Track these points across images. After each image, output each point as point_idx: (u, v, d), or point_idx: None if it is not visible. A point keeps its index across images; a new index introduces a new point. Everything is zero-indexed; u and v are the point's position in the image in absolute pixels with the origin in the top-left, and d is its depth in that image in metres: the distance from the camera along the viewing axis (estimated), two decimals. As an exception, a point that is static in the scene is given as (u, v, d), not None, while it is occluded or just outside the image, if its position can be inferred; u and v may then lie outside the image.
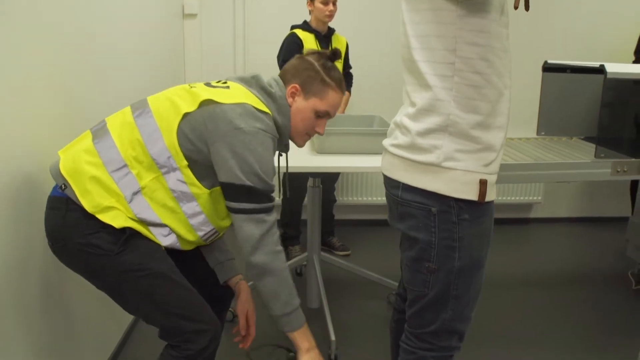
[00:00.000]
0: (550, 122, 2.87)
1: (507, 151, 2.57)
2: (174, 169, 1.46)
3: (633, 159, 2.42)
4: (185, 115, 1.46)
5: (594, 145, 2.41)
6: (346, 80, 3.41)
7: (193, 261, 1.72)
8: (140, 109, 1.51)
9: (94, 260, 1.44)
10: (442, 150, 1.35)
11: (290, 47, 3.18)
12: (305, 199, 3.30)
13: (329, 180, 3.54)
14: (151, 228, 1.48)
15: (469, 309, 1.50)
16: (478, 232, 1.43)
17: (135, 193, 1.44)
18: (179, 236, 1.53)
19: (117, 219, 1.43)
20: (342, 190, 4.01)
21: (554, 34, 3.99)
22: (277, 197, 3.82)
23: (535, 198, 4.16)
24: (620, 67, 2.47)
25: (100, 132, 1.50)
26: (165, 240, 1.51)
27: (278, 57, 3.26)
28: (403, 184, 1.43)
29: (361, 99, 3.81)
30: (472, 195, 1.37)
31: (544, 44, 3.97)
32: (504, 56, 1.36)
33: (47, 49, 1.71)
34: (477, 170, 1.37)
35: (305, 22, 3.29)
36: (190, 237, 1.54)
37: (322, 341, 2.56)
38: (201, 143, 1.45)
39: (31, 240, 1.61)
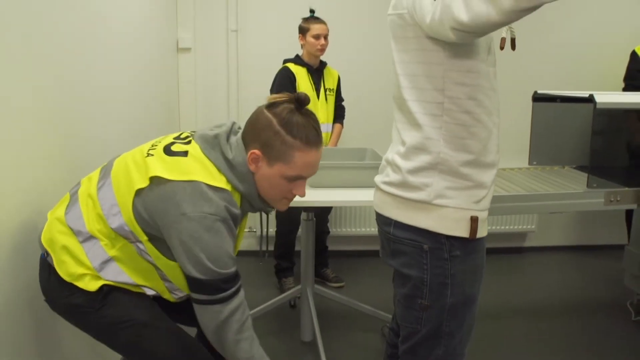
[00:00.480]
0: (542, 151, 2.89)
1: (499, 182, 2.58)
2: (138, 241, 1.43)
3: (626, 188, 2.43)
4: (138, 192, 1.39)
5: (586, 175, 2.42)
6: (338, 112, 3.43)
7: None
8: (104, 178, 1.49)
9: (79, 318, 1.47)
10: (432, 188, 1.36)
11: (283, 81, 3.21)
12: (299, 231, 3.29)
13: (322, 212, 3.53)
14: (132, 287, 1.48)
15: (461, 345, 1.49)
16: (470, 269, 1.43)
17: (106, 262, 1.43)
18: (161, 292, 1.53)
19: (90, 284, 1.43)
20: (336, 221, 4.00)
21: (543, 64, 4.04)
22: (271, 229, 3.86)
23: (529, 227, 4.16)
24: (609, 97, 2.50)
25: (72, 200, 1.51)
26: (149, 291, 1.51)
27: (271, 90, 3.27)
28: (395, 221, 1.43)
29: (353, 132, 3.82)
30: (463, 232, 1.38)
31: (533, 74, 4.02)
32: (493, 95, 1.38)
33: (40, 81, 1.70)
34: (468, 207, 1.37)
35: (297, 55, 3.32)
36: (167, 296, 1.55)
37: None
38: (155, 223, 1.38)
39: (28, 283, 1.60)
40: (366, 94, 3.89)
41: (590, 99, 2.38)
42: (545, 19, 3.94)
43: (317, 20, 3.23)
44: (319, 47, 3.20)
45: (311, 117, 1.41)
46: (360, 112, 3.82)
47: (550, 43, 4.04)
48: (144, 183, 1.38)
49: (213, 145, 1.43)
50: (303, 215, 2.72)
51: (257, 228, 4.03)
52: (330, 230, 3.76)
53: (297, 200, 2.32)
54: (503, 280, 3.74)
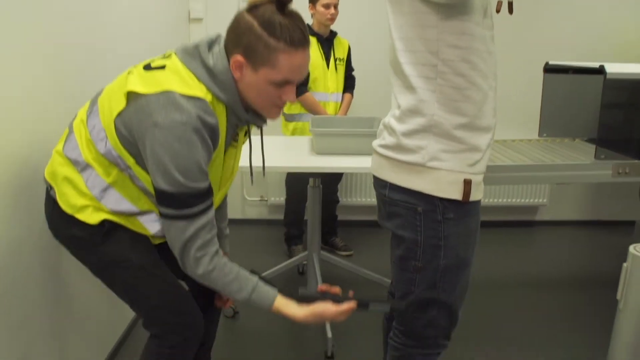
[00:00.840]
0: (552, 123, 2.87)
1: (506, 153, 2.57)
2: (127, 167, 1.41)
3: (635, 161, 2.40)
4: (119, 112, 1.37)
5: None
6: (348, 82, 3.42)
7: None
8: (93, 104, 1.48)
9: (79, 251, 1.50)
10: (426, 151, 1.37)
11: (293, 49, 3.20)
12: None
13: (331, 181, 3.55)
14: (137, 217, 1.48)
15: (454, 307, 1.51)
16: (464, 232, 1.44)
17: (105, 189, 1.43)
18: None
19: (92, 216, 1.44)
20: (346, 191, 4.02)
21: (556, 34, 3.95)
22: (279, 198, 3.89)
23: (540, 200, 4.14)
24: (620, 67, 2.46)
25: (69, 131, 1.51)
26: (155, 225, 1.49)
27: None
28: (390, 183, 1.44)
29: (364, 101, 3.82)
30: (456, 194, 1.39)
31: (545, 44, 3.94)
32: (488, 58, 1.37)
33: (52, 51, 1.74)
34: (462, 170, 1.38)
35: (308, 25, 3.30)
36: None
37: (319, 338, 2.59)
38: (134, 139, 1.36)
39: (31, 228, 1.66)
40: (376, 63, 3.86)
41: (600, 70, 2.35)
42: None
43: (328, -12, 3.21)
44: (328, 16, 3.18)
45: (295, 17, 1.32)
46: (370, 81, 3.80)
47: (565, 9, 3.95)
48: (122, 102, 1.36)
49: (193, 55, 1.37)
50: (310, 182, 2.73)
51: (268, 196, 4.06)
52: (340, 199, 3.78)
53: (304, 166, 2.36)
54: (512, 252, 3.74)
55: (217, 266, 1.38)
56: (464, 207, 1.41)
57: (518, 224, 4.24)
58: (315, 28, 3.27)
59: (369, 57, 3.82)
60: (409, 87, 1.37)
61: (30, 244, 1.66)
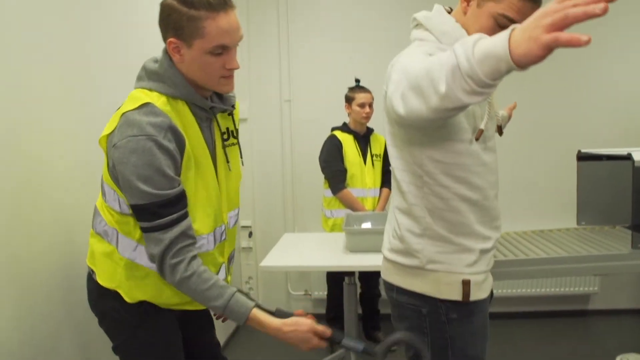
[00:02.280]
0: (591, 211, 2.84)
1: (542, 244, 2.56)
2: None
3: (676, 248, 2.35)
4: (107, 164, 1.43)
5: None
6: (386, 177, 3.50)
7: (197, 336, 1.76)
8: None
9: (110, 323, 1.55)
10: (423, 254, 1.43)
11: (330, 148, 3.36)
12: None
13: (371, 275, 3.57)
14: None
15: None
16: (470, 331, 1.46)
17: (135, 248, 1.47)
18: None
19: (131, 293, 1.50)
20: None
21: (588, 120, 3.99)
22: (323, 292, 3.91)
23: (591, 288, 4.01)
24: (650, 154, 2.47)
25: (94, 209, 1.58)
26: None
27: (320, 157, 3.43)
28: (396, 286, 1.50)
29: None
30: (455, 295, 1.43)
31: (577, 131, 3.97)
32: (482, 170, 1.43)
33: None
34: (459, 271, 1.43)
35: (344, 123, 3.47)
36: None
37: None
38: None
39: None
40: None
41: (628, 157, 2.37)
42: (587, 74, 3.95)
43: (362, 89, 3.38)
44: (364, 115, 3.34)
45: None
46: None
47: (594, 98, 4.00)
48: (105, 153, 1.42)
49: (140, 75, 1.45)
50: (345, 279, 2.78)
51: (312, 290, 4.10)
52: (381, 293, 3.78)
53: (337, 265, 2.42)
54: (564, 344, 3.60)
55: (195, 272, 1.37)
56: (467, 306, 1.44)
57: (569, 314, 4.09)
58: (352, 126, 3.43)
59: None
60: (402, 192, 1.47)
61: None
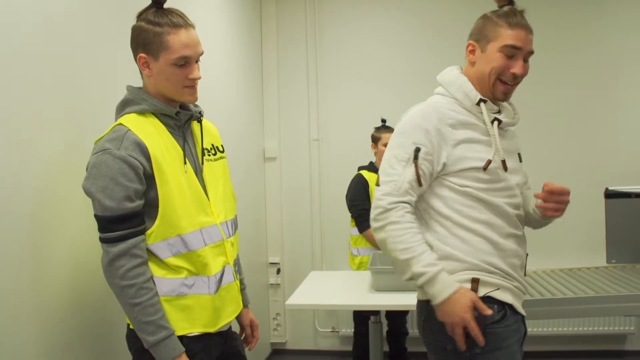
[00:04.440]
0: (620, 249, 2.81)
1: (571, 283, 2.53)
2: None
3: None
4: None
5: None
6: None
7: None
8: None
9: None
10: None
11: (357, 187, 3.40)
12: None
13: (398, 313, 3.57)
14: (188, 289, 1.56)
15: None
16: None
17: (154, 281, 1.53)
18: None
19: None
20: (414, 322, 3.99)
21: (615, 158, 3.95)
22: (350, 329, 3.91)
23: (628, 328, 3.91)
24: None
25: None
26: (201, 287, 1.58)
27: (347, 196, 3.47)
28: (423, 322, 1.54)
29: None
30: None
31: (605, 169, 3.93)
32: (477, 205, 1.54)
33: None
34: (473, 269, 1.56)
35: (370, 162, 3.52)
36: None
37: None
38: None
39: None
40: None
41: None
42: (612, 111, 3.93)
43: (388, 129, 3.43)
44: (390, 154, 3.38)
45: (173, 10, 1.56)
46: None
47: (621, 134, 3.98)
48: None
49: (118, 110, 1.61)
50: (371, 319, 2.79)
51: (339, 327, 4.10)
52: (408, 331, 3.75)
53: (363, 304, 2.44)
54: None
55: (143, 302, 1.45)
56: (489, 341, 1.45)
57: (605, 354, 3.98)
58: (378, 165, 3.46)
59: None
60: (420, 219, 1.59)
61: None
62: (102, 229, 1.46)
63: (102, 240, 1.47)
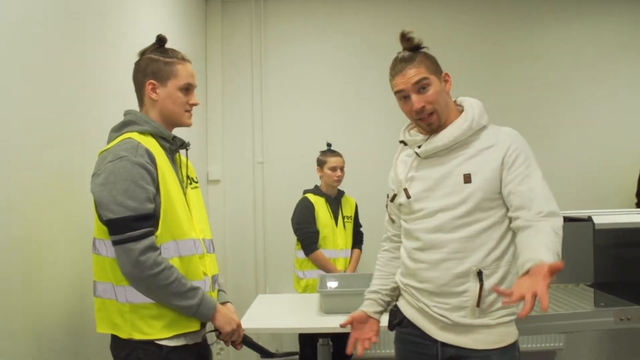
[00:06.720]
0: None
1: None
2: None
3: (636, 306, 2.42)
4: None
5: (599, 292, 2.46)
6: (356, 238, 3.59)
7: None
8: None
9: None
10: None
11: (303, 210, 3.43)
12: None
13: (342, 336, 3.58)
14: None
15: None
16: None
17: (127, 290, 1.61)
18: None
19: (136, 332, 1.61)
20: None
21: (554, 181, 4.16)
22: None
23: (556, 344, 4.09)
24: (608, 218, 2.61)
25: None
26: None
27: (292, 219, 3.49)
28: None
29: (372, 257, 3.94)
30: None
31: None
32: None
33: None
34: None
35: (316, 186, 3.56)
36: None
37: None
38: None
39: None
40: (382, 220, 4.04)
41: (589, 219, 2.50)
42: (551, 142, 4.16)
43: (334, 153, 3.49)
44: (335, 178, 3.43)
45: (173, 49, 1.78)
46: (378, 238, 3.96)
47: (559, 163, 4.19)
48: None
49: (116, 129, 1.72)
50: (320, 341, 2.80)
51: (283, 350, 4.07)
52: (354, 353, 3.76)
53: (310, 327, 2.46)
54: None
55: (178, 277, 1.60)
56: None
57: (537, 370, 4.16)
58: (324, 189, 3.51)
59: (375, 214, 4.00)
60: None
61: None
62: (124, 228, 1.55)
63: (125, 241, 1.55)
